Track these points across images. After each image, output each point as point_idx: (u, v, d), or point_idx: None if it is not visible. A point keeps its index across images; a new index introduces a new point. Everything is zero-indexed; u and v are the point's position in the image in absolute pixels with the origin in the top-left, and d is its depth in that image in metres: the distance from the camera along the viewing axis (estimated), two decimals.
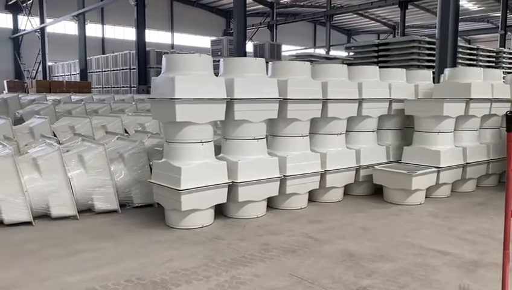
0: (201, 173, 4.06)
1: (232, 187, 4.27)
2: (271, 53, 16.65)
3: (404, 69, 6.00)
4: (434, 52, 8.82)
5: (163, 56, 4.22)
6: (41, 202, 4.22)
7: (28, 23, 28.53)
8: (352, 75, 5.27)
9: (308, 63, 4.87)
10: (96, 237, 3.84)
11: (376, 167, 5.21)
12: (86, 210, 4.52)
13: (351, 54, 12.08)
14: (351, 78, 5.24)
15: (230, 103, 4.22)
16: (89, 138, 5.06)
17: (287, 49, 28.51)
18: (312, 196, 5.01)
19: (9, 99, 9.51)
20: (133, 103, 9.04)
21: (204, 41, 34.51)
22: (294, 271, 3.14)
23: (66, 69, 26.29)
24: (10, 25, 30.05)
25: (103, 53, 28.87)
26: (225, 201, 4.28)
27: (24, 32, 28.48)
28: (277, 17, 30.59)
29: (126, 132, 6.35)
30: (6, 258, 3.33)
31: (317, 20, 33.80)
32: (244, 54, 13.08)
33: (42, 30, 25.22)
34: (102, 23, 32.29)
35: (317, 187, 4.89)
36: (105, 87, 22.17)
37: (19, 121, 7.96)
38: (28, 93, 18.42)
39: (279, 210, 4.71)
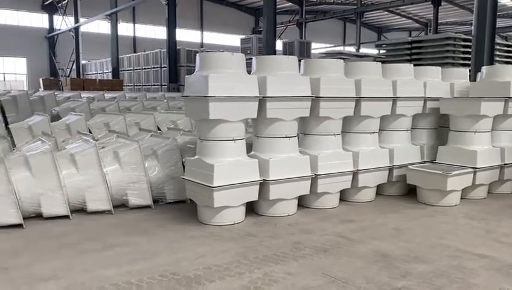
0: (233, 171, 4.09)
1: (263, 185, 4.27)
2: (300, 51, 16.59)
3: (440, 67, 5.85)
4: (469, 50, 8.58)
5: (197, 54, 4.26)
6: (78, 196, 4.34)
7: (63, 23, 29.39)
8: (386, 73, 5.18)
9: (341, 60, 4.82)
10: (131, 232, 3.92)
11: (410, 166, 5.11)
12: (120, 205, 4.62)
13: (383, 51, 11.90)
14: (385, 76, 5.16)
15: (262, 101, 4.23)
16: (123, 135, 5.16)
17: (316, 47, 28.27)
18: (343, 196, 4.96)
19: (46, 96, 9.80)
20: (165, 101, 9.17)
21: (233, 40, 34.69)
22: (327, 270, 3.12)
23: (98, 68, 26.94)
24: (46, 25, 31.05)
25: (134, 52, 29.46)
26: (256, 199, 4.29)
27: (59, 31, 29.33)
28: (306, 14, 30.42)
29: (159, 129, 6.44)
30: (47, 250, 3.44)
31: (347, 17, 33.42)
32: (274, 52, 13.08)
33: (76, 29, 25.91)
34: (134, 22, 32.92)
35: (349, 187, 4.84)
36: (136, 85, 22.60)
37: (55, 117, 8.19)
38: (62, 91, 18.99)
39: (310, 209, 4.69)
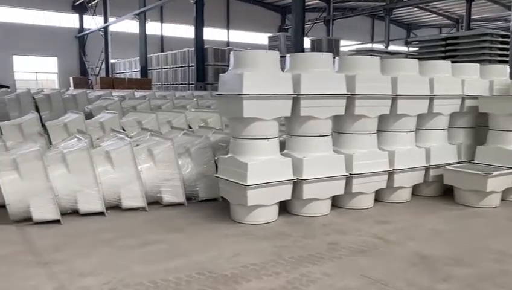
0: (267, 169, 4.06)
1: (296, 184, 4.22)
2: (329, 48, 16.41)
3: (478, 64, 5.66)
4: (507, 47, 8.29)
5: (231, 53, 4.24)
6: (113, 193, 4.39)
7: (93, 22, 30.00)
8: (423, 70, 5.04)
9: (377, 57, 4.72)
10: (165, 229, 3.94)
11: (447, 167, 4.96)
12: (154, 202, 4.65)
13: (415, 48, 11.63)
14: (421, 73, 5.02)
15: (296, 98, 4.18)
16: (156, 133, 5.20)
17: (344, 44, 27.97)
18: (378, 196, 4.86)
19: (78, 95, 10.00)
20: (194, 100, 9.22)
21: (259, 38, 34.68)
22: (366, 272, 3.05)
23: (127, 66, 27.39)
24: (76, 25, 31.74)
25: (162, 51, 29.81)
26: (289, 198, 4.25)
27: (89, 31, 29.95)
28: (333, 12, 30.12)
29: (190, 127, 6.48)
30: (85, 246, 3.49)
31: (376, 14, 32.92)
32: (302, 50, 12.99)
33: (105, 29, 26.41)
34: (161, 22, 33.27)
35: (384, 187, 4.74)
36: (164, 84, 22.86)
37: (88, 115, 8.33)
38: (92, 89, 19.41)
39: (344, 209, 4.61)
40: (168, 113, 6.71)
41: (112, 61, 27.89)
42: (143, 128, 5.89)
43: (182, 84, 21.24)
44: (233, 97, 4.03)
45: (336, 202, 4.60)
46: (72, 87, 22.80)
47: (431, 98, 4.99)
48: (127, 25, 29.68)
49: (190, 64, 20.35)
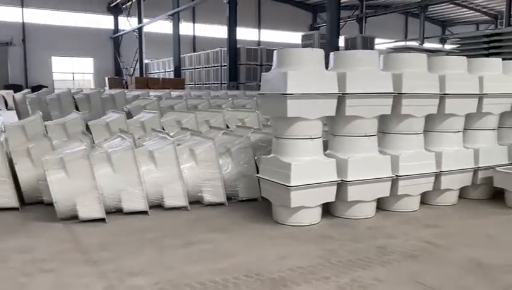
0: (311, 170, 3.98)
1: (341, 186, 4.12)
2: (363, 47, 16.12)
3: None
4: None
5: (275, 51, 4.18)
6: (156, 192, 4.41)
7: (127, 23, 30.61)
8: (471, 68, 4.83)
9: (425, 55, 4.55)
10: (208, 229, 3.93)
11: (497, 168, 4.75)
12: (195, 202, 4.64)
13: (452, 46, 11.24)
14: (469, 71, 4.82)
15: (341, 98, 4.07)
16: (197, 133, 5.21)
17: (377, 42, 27.47)
18: (424, 198, 4.69)
19: (116, 95, 10.16)
20: (229, 99, 9.21)
21: (290, 37, 34.59)
22: (419, 278, 2.93)
23: (161, 66, 27.79)
24: (111, 26, 32.48)
25: (194, 51, 30.14)
26: (333, 200, 4.15)
27: (123, 32, 30.58)
28: (366, 9, 29.63)
29: (227, 126, 6.46)
30: (131, 245, 3.51)
31: (410, 11, 32.17)
32: (337, 48, 12.81)
33: (140, 30, 26.88)
34: (193, 22, 33.62)
35: (431, 189, 4.57)
36: (197, 84, 23.05)
37: (127, 115, 8.44)
38: (127, 89, 19.77)
39: (389, 212, 4.47)
40: (206, 112, 6.71)
41: (145, 61, 28.36)
42: (182, 128, 5.91)
43: (214, 83, 21.36)
44: (277, 96, 3.97)
45: (380, 204, 4.47)
46: (107, 87, 23.32)
47: (480, 97, 4.78)
48: (160, 26, 30.15)
49: (223, 64, 20.44)
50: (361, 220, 4.20)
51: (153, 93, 11.16)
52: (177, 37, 23.02)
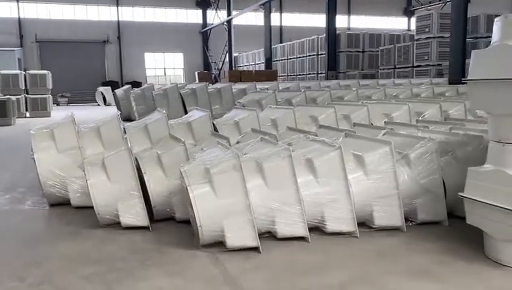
0: None
1: None
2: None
3: None
4: None
5: (497, 20, 2.93)
6: (315, 212, 3.41)
7: (216, 17, 30.42)
8: None
9: None
10: (405, 270, 2.84)
11: None
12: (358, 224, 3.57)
13: None
14: None
15: None
16: (357, 134, 4.13)
17: None
18: None
19: (223, 89, 9.47)
20: (354, 89, 8.03)
21: (382, 23, 32.45)
22: None
23: (250, 59, 27.19)
24: (200, 20, 32.54)
25: (280, 42, 29.19)
26: None
27: (212, 26, 30.44)
28: None
29: (371, 123, 5.30)
30: None
31: None
32: (465, 27, 11.04)
33: (229, 22, 26.41)
34: (280, 12, 32.65)
35: None
36: (290, 75, 22.06)
37: None
38: (217, 82, 19.32)
39: None
40: (349, 106, 5.58)
41: (234, 54, 27.94)
42: (321, 126, 4.86)
43: (309, 74, 20.19)
44: (506, 83, 2.74)
45: None
46: (197, 82, 23.18)
47: None
48: (246, 18, 29.55)
49: (319, 53, 19.19)
50: None
51: (259, 86, 10.31)
52: (268, 27, 22.12)
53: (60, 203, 4.40)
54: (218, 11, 30.17)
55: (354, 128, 4.82)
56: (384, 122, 5.19)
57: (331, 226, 3.43)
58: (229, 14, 26.53)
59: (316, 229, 3.49)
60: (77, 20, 29.02)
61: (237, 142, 4.41)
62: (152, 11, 31.06)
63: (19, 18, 27.73)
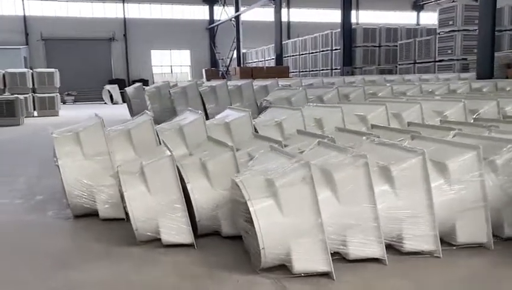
0: None
1: None
2: None
3: None
4: None
5: None
6: (392, 229, 2.92)
7: (223, 13, 29.87)
8: None
9: None
10: None
11: None
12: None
13: None
14: None
15: None
16: (416, 133, 3.63)
17: None
18: None
19: (243, 86, 8.98)
20: (388, 85, 7.52)
21: (391, 17, 31.93)
22: None
23: (259, 55, 26.66)
24: (206, 17, 31.98)
25: (288, 37, 28.64)
26: None
27: (219, 22, 29.89)
28: None
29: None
30: None
31: None
32: (493, 18, 10.51)
33: (237, 18, 25.87)
34: (288, 7, 32.08)
35: None
36: (302, 71, 21.52)
37: (264, 110, 7.12)
38: (226, 79, 18.80)
39: None
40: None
41: (242, 51, 27.40)
42: (373, 126, 4.36)
43: (323, 70, 19.62)
44: None
45: None
46: (204, 79, 22.68)
47: None
48: (254, 14, 28.97)
49: (333, 48, 18.63)
50: None
51: (281, 82, 9.80)
52: (278, 22, 21.52)
53: (86, 215, 3.94)
54: (225, 7, 29.61)
55: (410, 127, 4.32)
56: (440, 120, 4.69)
57: (410, 244, 2.94)
58: (237, 9, 25.98)
59: (389, 247, 3.01)
60: (83, 18, 28.54)
61: (284, 146, 3.92)
62: (158, 7, 30.53)
63: (24, 16, 27.27)
